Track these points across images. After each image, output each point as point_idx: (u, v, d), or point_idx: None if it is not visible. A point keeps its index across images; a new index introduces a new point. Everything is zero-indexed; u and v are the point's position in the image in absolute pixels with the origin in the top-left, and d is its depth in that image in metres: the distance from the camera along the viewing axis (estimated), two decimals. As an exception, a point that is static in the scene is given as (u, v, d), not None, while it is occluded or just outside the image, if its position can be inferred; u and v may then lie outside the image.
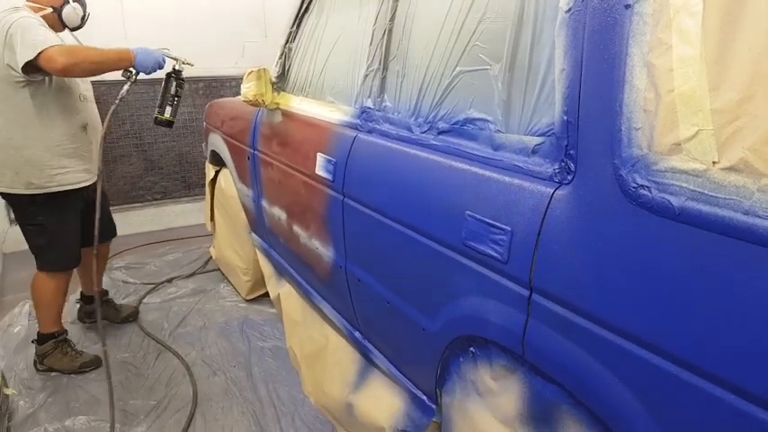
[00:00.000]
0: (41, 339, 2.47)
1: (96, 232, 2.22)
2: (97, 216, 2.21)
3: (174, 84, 2.35)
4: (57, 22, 2.27)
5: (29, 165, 2.19)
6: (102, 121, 2.23)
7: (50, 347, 2.46)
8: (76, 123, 2.29)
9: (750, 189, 0.70)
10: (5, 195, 2.26)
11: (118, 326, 2.88)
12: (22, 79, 2.11)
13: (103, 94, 4.14)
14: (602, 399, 0.92)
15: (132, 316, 2.93)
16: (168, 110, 2.35)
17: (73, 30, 2.37)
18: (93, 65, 2.10)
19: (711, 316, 0.75)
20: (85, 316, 2.87)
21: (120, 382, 2.42)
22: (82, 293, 2.87)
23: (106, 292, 2.96)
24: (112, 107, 2.17)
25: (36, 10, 2.22)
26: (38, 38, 2.01)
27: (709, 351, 0.75)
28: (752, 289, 0.70)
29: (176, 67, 2.36)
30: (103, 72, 2.18)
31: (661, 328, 0.81)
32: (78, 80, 2.33)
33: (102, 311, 2.84)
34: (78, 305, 2.93)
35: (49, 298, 2.40)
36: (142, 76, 2.29)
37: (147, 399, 2.30)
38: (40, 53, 1.99)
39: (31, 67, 2.05)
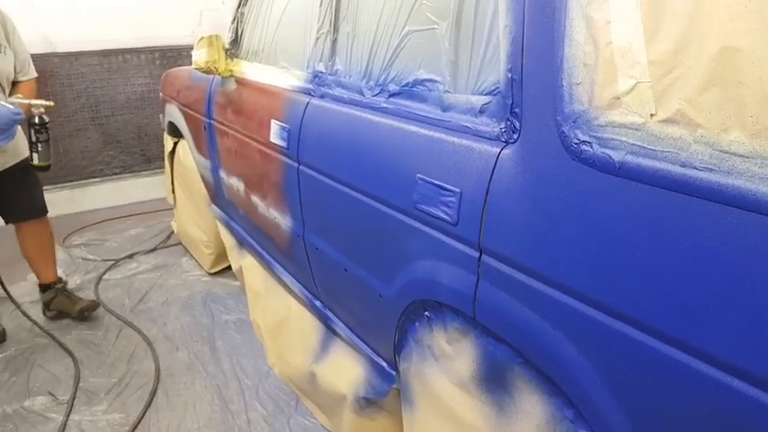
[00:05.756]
0: None
1: None
2: None
3: (34, 131, 2.26)
4: None
5: None
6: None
7: None
8: None
9: (687, 141, 0.70)
10: None
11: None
12: None
13: (56, 66, 4.01)
14: (550, 357, 0.93)
15: (89, 309, 2.66)
16: (35, 156, 2.29)
17: None
18: None
19: (654, 270, 0.74)
20: (45, 307, 2.68)
21: (80, 359, 2.37)
22: (39, 284, 2.70)
23: (60, 280, 2.73)
24: None
25: None
26: None
27: (653, 306, 0.75)
28: (690, 241, 0.70)
29: (34, 112, 2.25)
30: None
31: (605, 285, 0.81)
32: None
33: (57, 302, 2.66)
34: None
35: None
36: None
37: (108, 376, 2.26)
38: None
39: None
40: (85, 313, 2.65)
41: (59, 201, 3.96)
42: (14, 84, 2.39)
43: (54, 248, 2.71)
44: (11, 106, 2.16)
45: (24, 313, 2.60)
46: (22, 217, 2.55)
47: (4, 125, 2.13)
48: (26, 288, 2.93)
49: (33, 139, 2.28)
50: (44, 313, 2.68)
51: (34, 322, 2.59)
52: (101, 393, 2.16)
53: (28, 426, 2.01)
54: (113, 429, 1.98)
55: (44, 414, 2.06)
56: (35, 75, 2.49)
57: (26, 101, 2.25)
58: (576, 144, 0.83)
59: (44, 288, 2.70)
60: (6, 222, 2.54)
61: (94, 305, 2.70)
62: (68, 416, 2.03)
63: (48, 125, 2.29)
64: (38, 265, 2.67)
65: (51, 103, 2.30)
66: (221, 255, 2.96)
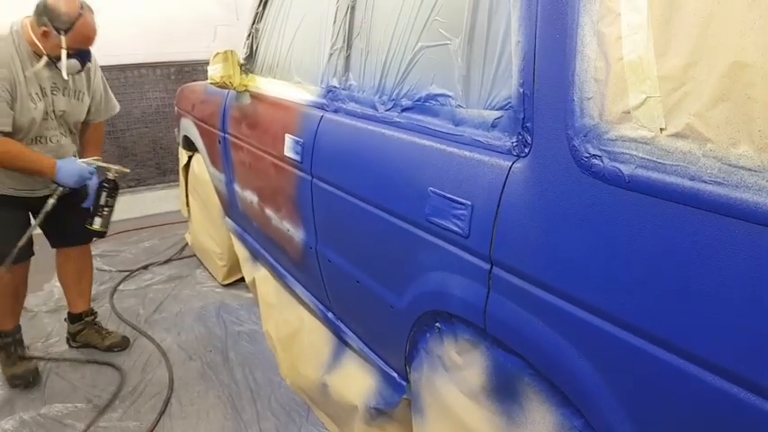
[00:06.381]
0: None
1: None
2: None
3: (105, 194, 2.25)
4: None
5: None
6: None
7: None
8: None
9: (696, 155, 0.71)
10: None
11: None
12: None
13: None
14: (560, 368, 0.93)
15: (118, 346, 2.54)
16: (98, 221, 2.26)
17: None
18: (12, 162, 2.06)
19: (663, 282, 0.75)
20: (70, 338, 2.58)
21: (95, 368, 2.40)
22: (69, 312, 2.57)
23: (92, 311, 2.61)
24: (35, 222, 2.20)
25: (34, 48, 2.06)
26: None
27: (662, 318, 0.76)
28: (699, 254, 0.71)
29: (109, 176, 2.26)
30: (24, 172, 2.12)
31: (615, 297, 0.82)
32: (39, 127, 2.16)
33: (84, 335, 2.56)
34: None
35: None
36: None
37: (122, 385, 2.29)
38: None
39: None
40: (114, 349, 2.53)
41: (75, 212, 4.01)
42: (86, 123, 2.36)
43: (92, 277, 2.60)
44: (86, 165, 2.18)
45: (31, 356, 2.47)
46: (69, 241, 2.44)
47: (75, 184, 2.15)
48: (42, 297, 2.99)
49: (102, 201, 2.23)
50: (68, 343, 2.58)
51: (41, 358, 2.47)
52: (115, 401, 2.18)
53: (44, 433, 2.03)
54: (127, 438, 2.00)
55: (61, 421, 2.08)
56: (114, 112, 2.47)
57: (104, 164, 2.25)
58: (586, 158, 0.84)
59: (73, 318, 2.56)
60: (53, 246, 2.45)
61: (125, 342, 2.57)
62: (92, 423, 2.06)
63: (118, 191, 2.26)
64: (73, 294, 2.54)
65: (127, 170, 2.29)
66: (234, 266, 2.98)
